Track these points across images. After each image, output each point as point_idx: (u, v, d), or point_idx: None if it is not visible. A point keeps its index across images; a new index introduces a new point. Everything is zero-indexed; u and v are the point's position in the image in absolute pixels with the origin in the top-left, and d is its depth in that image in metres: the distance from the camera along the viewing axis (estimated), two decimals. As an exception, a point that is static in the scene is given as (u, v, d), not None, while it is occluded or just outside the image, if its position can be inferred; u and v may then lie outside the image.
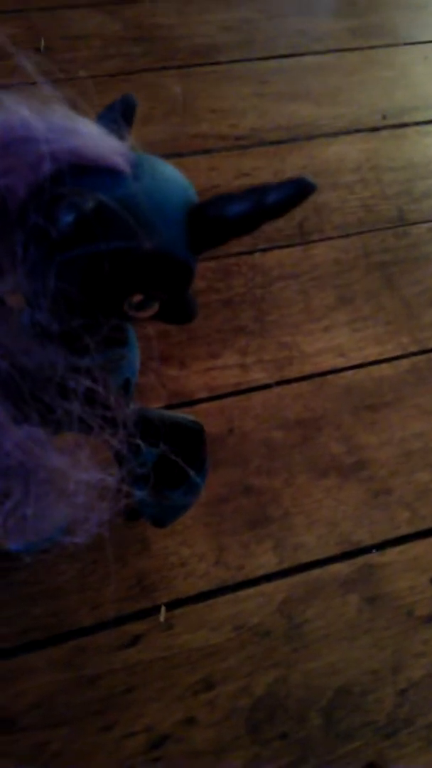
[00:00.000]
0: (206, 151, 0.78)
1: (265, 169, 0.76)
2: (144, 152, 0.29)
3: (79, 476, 0.31)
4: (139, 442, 0.34)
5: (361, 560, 0.51)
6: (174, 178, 0.29)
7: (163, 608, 0.48)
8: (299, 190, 0.27)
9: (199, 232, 0.29)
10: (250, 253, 0.69)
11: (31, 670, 0.46)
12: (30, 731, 0.43)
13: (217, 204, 0.28)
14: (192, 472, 0.43)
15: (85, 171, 0.27)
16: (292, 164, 0.77)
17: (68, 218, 0.25)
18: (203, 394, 0.59)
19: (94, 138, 0.27)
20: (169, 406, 0.58)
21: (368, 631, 0.49)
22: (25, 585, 0.48)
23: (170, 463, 0.39)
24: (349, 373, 0.61)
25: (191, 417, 0.42)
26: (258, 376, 0.60)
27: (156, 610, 0.48)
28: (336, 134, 0.82)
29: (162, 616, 0.48)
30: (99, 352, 0.33)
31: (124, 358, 0.37)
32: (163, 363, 0.60)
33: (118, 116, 0.30)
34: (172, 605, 0.48)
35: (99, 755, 0.43)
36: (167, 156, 0.81)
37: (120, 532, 0.51)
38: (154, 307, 0.31)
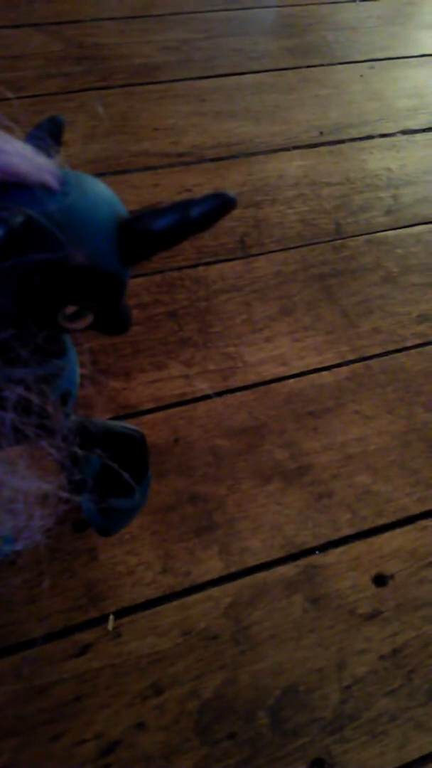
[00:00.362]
0: (149, 168, 0.79)
1: (206, 185, 0.78)
2: (73, 169, 0.30)
3: (16, 484, 0.32)
4: (79, 451, 0.35)
5: (304, 562, 0.53)
6: (102, 193, 0.30)
7: (111, 617, 0.49)
8: (220, 205, 0.28)
9: (128, 246, 0.30)
10: (194, 266, 0.71)
11: (-19, 683, 0.46)
12: (-21, 745, 0.44)
13: (145, 218, 0.30)
14: (134, 481, 0.44)
15: (15, 188, 0.28)
16: (232, 180, 0.79)
17: (-2, 232, 0.26)
18: (149, 405, 0.60)
19: (22, 156, 0.28)
20: (115, 418, 0.59)
21: (313, 631, 0.50)
22: (-28, 599, 0.48)
23: (113, 471, 0.40)
24: (291, 381, 0.63)
25: (133, 426, 0.43)
26: (202, 386, 0.62)
27: (104, 619, 0.49)
28: (275, 151, 0.84)
29: (110, 625, 0.48)
30: (36, 364, 0.34)
31: (62, 369, 0.37)
32: (109, 376, 0.61)
33: (46, 135, 0.31)
34: (120, 614, 0.49)
35: (50, 764, 0.43)
36: (111, 173, 0.82)
37: (68, 542, 0.51)
38: (88, 318, 0.32)
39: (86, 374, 0.61)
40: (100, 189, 0.30)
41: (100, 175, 0.77)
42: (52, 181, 0.29)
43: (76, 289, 0.29)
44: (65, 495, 0.33)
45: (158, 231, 0.30)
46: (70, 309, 0.31)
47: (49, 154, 0.30)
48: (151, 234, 0.30)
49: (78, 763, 0.44)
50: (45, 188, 0.28)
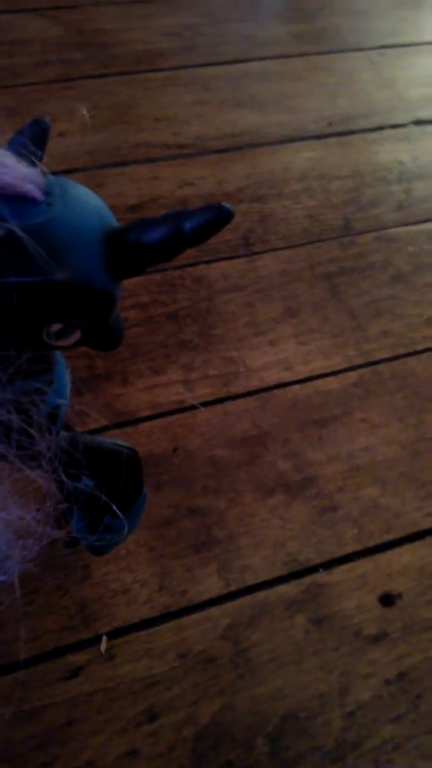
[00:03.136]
0: (149, 160, 0.76)
1: (208, 178, 0.75)
2: (58, 175, 0.28)
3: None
4: (66, 479, 0.33)
5: (308, 580, 0.50)
6: (89, 203, 0.28)
7: (104, 638, 0.47)
8: (216, 218, 0.26)
9: (117, 259, 0.27)
10: (195, 265, 0.68)
11: (-31, 706, 0.44)
12: (-34, 772, 0.42)
13: (135, 230, 0.27)
14: (128, 499, 0.41)
15: (-6, 199, 0.25)
16: (236, 173, 0.76)
17: (-25, 250, 0.24)
18: (147, 413, 0.58)
19: (3, 165, 0.26)
20: (111, 426, 0.56)
21: (315, 653, 0.48)
22: (-41, 619, 0.46)
23: (106, 491, 0.38)
24: (296, 387, 0.60)
25: (125, 443, 0.41)
26: (203, 392, 0.59)
27: (97, 640, 0.47)
28: (281, 142, 0.81)
29: (103, 646, 0.46)
30: (23, 381, 0.31)
31: (51, 384, 0.35)
32: (105, 380, 0.59)
33: (29, 140, 0.29)
34: (113, 634, 0.47)
35: (36, 797, 0.41)
36: (110, 165, 0.79)
37: (60, 559, 0.49)
38: (76, 335, 0.30)
39: (83, 379, 0.59)
40: (87, 198, 0.28)
41: (98, 167, 0.75)
42: (35, 191, 0.26)
43: (62, 306, 0.27)
44: (49, 527, 0.31)
45: (149, 244, 0.27)
46: (55, 326, 0.28)
47: (32, 162, 0.27)
48: (142, 247, 0.27)
49: (68, 793, 0.42)
50: (27, 199, 0.26)
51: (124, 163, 0.75)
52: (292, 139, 0.82)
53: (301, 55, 0.93)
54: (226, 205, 0.26)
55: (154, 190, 0.73)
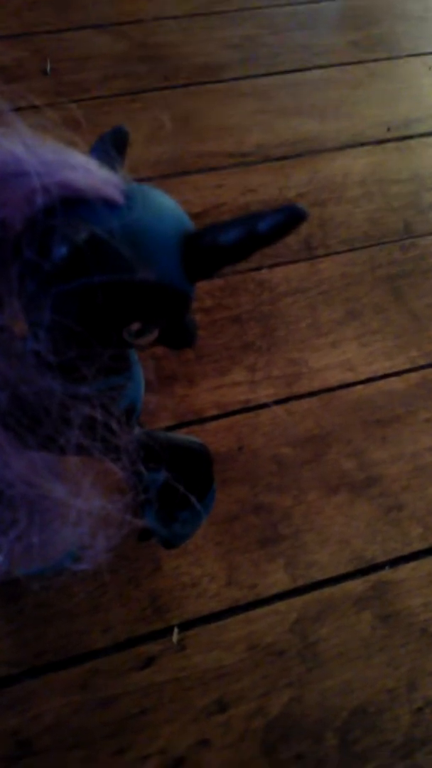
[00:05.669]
0: (212, 169, 0.78)
1: (270, 185, 0.77)
2: (136, 181, 0.29)
3: (82, 505, 0.31)
4: (142, 468, 0.34)
5: (374, 577, 0.51)
6: (167, 207, 0.29)
7: (175, 629, 0.48)
8: (290, 218, 0.27)
9: (194, 261, 0.29)
10: (258, 269, 0.69)
11: (47, 692, 0.46)
12: (45, 754, 0.43)
13: (211, 232, 0.28)
14: (199, 494, 0.43)
15: (78, 203, 0.27)
16: (297, 179, 0.77)
17: (61, 251, 0.25)
18: (212, 412, 0.59)
19: (85, 170, 0.28)
20: (179, 425, 0.58)
21: (383, 650, 0.48)
22: (37, 608, 0.48)
23: (180, 485, 0.40)
24: (359, 387, 0.61)
25: (196, 439, 0.42)
26: (267, 392, 0.60)
27: (169, 631, 0.48)
28: (340, 148, 0.82)
29: (174, 638, 0.48)
30: (100, 379, 0.33)
31: (127, 382, 0.37)
32: (173, 381, 0.61)
33: (110, 147, 0.31)
34: (184, 626, 0.48)
35: (113, 779, 0.43)
36: (174, 175, 0.81)
37: (132, 552, 0.51)
38: (154, 334, 0.31)
39: (150, 380, 0.61)
40: (165, 202, 0.30)
41: (163, 176, 0.77)
42: (116, 195, 0.28)
43: (142, 306, 0.29)
44: (129, 517, 0.33)
45: (225, 245, 0.28)
46: (135, 325, 0.30)
47: (113, 167, 0.29)
48: (218, 248, 0.28)
49: (142, 778, 0.43)
50: (109, 203, 0.28)
51: (187, 173, 0.77)
52: (351, 145, 0.82)
53: (358, 62, 0.94)
54: (300, 205, 0.27)
55: (218, 198, 0.75)
